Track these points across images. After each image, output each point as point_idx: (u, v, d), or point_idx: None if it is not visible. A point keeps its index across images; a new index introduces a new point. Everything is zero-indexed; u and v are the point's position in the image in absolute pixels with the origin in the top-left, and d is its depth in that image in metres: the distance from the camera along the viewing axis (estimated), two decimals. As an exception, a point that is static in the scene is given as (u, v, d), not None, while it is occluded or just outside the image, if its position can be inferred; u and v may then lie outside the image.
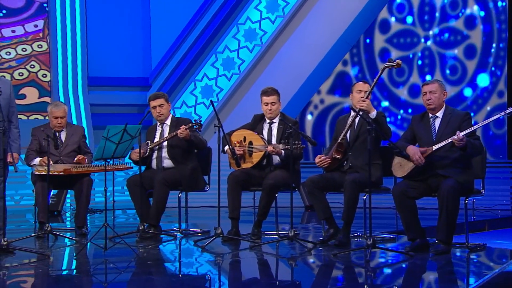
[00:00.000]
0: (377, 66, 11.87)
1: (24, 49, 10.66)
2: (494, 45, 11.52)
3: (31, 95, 10.63)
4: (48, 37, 10.89)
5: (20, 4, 10.77)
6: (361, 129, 6.48)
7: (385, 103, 11.92)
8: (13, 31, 10.69)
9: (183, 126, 6.91)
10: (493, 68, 11.49)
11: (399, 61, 6.42)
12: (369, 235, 5.83)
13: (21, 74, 10.61)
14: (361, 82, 6.68)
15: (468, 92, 11.66)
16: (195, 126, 6.98)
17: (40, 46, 10.70)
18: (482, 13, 11.50)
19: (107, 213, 6.36)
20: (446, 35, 11.73)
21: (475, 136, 6.01)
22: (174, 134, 6.96)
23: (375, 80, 6.45)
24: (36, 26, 10.84)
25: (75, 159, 7.22)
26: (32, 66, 10.66)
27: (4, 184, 6.06)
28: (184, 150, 7.10)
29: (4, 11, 10.76)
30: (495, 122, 11.16)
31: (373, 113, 6.31)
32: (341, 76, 12.04)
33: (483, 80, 11.57)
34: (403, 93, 11.88)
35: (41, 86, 10.61)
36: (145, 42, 11.68)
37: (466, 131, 5.84)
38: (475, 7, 11.54)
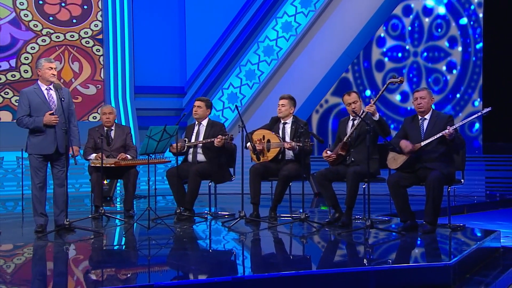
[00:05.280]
0: (374, 75, 11.87)
1: None
2: (471, 60, 11.47)
3: (5, 117, 10.32)
4: (103, 56, 10.94)
5: (5, 42, 10.45)
6: (361, 129, 6.44)
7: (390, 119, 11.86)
8: None
9: (220, 136, 6.85)
10: (469, 81, 11.48)
11: (402, 78, 6.36)
12: (368, 217, 5.81)
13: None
14: (346, 95, 6.61)
15: (447, 100, 11.63)
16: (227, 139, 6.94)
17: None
18: (462, 27, 11.43)
19: (150, 199, 6.38)
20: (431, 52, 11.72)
21: (458, 133, 6.01)
22: (211, 140, 6.95)
23: (380, 92, 6.37)
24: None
25: (118, 157, 7.17)
26: (6, 93, 10.40)
27: (66, 174, 6.10)
28: (214, 148, 7.09)
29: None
30: (471, 125, 11.26)
31: (377, 116, 6.27)
32: (343, 81, 12.01)
33: (461, 90, 11.55)
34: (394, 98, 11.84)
35: (15, 110, 9.93)
36: (181, 58, 11.70)
37: (455, 126, 5.84)
38: (457, 31, 11.51)
